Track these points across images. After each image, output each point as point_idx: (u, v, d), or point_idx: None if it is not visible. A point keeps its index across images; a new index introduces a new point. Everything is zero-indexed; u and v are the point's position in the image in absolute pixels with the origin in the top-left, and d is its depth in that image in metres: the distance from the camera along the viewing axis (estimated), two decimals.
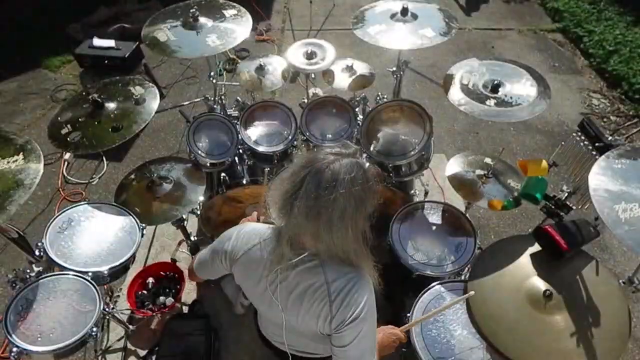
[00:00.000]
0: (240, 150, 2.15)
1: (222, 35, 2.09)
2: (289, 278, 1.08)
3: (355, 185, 0.95)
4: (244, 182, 2.11)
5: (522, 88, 1.85)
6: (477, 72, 1.94)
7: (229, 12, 2.21)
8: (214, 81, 2.59)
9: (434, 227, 1.89)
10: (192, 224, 2.58)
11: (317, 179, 0.95)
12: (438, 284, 1.64)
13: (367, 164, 1.00)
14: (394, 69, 2.45)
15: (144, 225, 1.78)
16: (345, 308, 1.03)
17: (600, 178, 1.31)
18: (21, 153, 1.49)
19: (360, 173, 0.96)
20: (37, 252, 1.61)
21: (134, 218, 1.78)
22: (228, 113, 2.59)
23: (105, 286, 2.11)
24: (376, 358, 1.13)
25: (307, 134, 2.12)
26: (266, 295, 1.13)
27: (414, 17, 2.10)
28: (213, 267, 1.26)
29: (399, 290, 1.78)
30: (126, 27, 4.22)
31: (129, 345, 2.11)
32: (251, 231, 1.19)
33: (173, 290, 2.21)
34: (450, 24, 2.07)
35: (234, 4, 2.27)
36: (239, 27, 2.13)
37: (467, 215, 1.93)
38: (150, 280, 2.22)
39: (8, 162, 1.46)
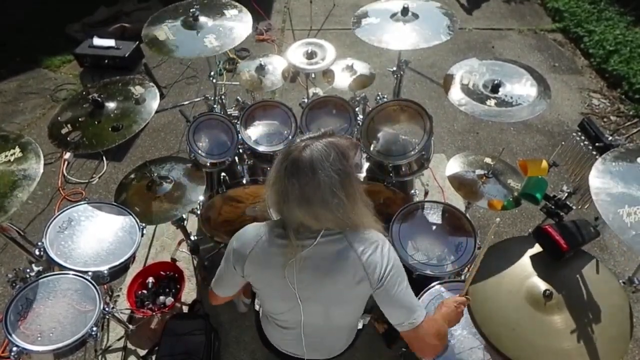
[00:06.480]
0: (240, 150, 2.14)
1: (222, 35, 2.08)
2: (312, 254, 1.09)
3: (334, 163, 0.99)
4: (244, 182, 2.10)
5: (522, 88, 1.84)
6: (477, 72, 1.94)
7: (230, 12, 2.21)
8: (214, 81, 2.59)
9: (434, 227, 1.89)
10: (192, 224, 2.58)
11: (295, 168, 0.99)
12: (438, 284, 1.64)
13: (340, 139, 1.05)
14: (394, 68, 2.45)
15: (144, 224, 1.78)
16: (377, 261, 1.07)
17: (601, 181, 1.30)
18: (21, 152, 1.49)
19: (334, 150, 1.01)
20: (37, 252, 1.61)
21: (134, 217, 1.78)
22: (228, 113, 2.59)
23: (105, 286, 2.12)
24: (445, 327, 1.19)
25: (307, 133, 2.12)
26: (288, 287, 1.13)
27: (415, 16, 2.10)
28: (227, 274, 1.23)
29: None
30: (126, 26, 4.21)
31: (129, 345, 2.11)
32: (251, 230, 1.19)
33: (173, 290, 2.21)
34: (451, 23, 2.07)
35: (235, 3, 2.27)
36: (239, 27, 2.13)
37: (467, 215, 1.92)
38: (150, 280, 2.23)
39: (8, 162, 1.46)
